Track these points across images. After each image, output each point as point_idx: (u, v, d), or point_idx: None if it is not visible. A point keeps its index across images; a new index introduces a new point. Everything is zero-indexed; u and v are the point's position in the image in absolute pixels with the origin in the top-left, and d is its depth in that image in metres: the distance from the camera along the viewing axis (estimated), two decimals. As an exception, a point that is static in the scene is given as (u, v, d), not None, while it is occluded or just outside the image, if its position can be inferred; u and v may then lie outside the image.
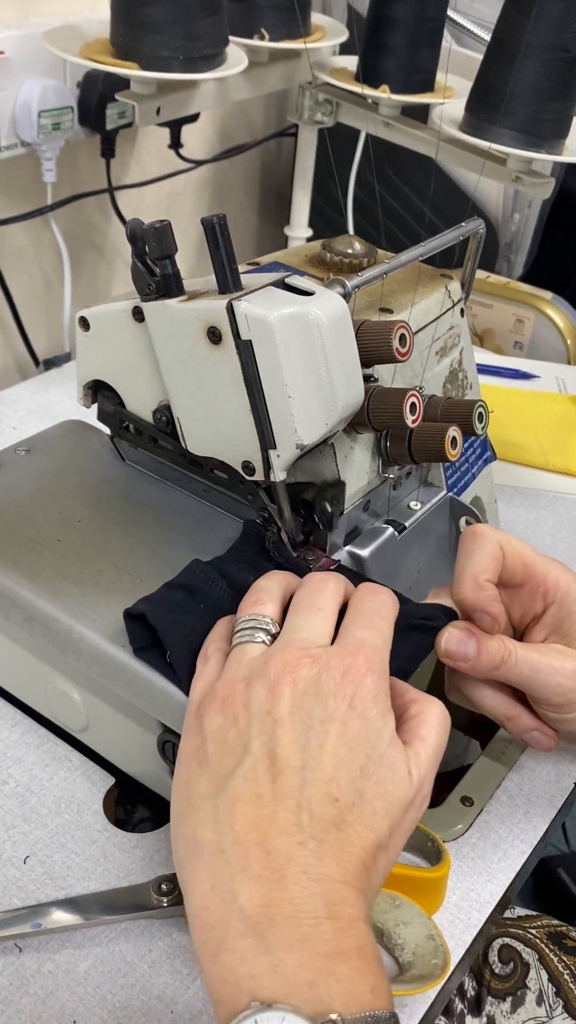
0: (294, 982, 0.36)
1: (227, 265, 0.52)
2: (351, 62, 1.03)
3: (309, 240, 1.19)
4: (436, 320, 0.67)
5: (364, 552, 0.61)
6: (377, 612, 0.47)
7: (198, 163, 1.24)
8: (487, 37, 0.87)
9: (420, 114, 1.00)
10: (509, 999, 0.63)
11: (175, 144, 1.14)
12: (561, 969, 0.63)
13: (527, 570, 0.54)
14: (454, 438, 0.58)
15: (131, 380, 0.61)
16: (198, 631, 0.51)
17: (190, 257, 1.32)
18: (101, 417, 0.65)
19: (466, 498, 0.72)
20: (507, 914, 0.67)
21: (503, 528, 0.85)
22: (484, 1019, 0.62)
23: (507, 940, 0.65)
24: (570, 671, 0.52)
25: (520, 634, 0.56)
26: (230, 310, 0.51)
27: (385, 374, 0.61)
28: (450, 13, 1.02)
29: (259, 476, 0.55)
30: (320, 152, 1.17)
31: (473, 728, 0.69)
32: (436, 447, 0.58)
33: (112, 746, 0.61)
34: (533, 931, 0.65)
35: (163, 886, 0.53)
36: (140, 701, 0.53)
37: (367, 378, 0.57)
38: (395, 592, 0.50)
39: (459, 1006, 0.63)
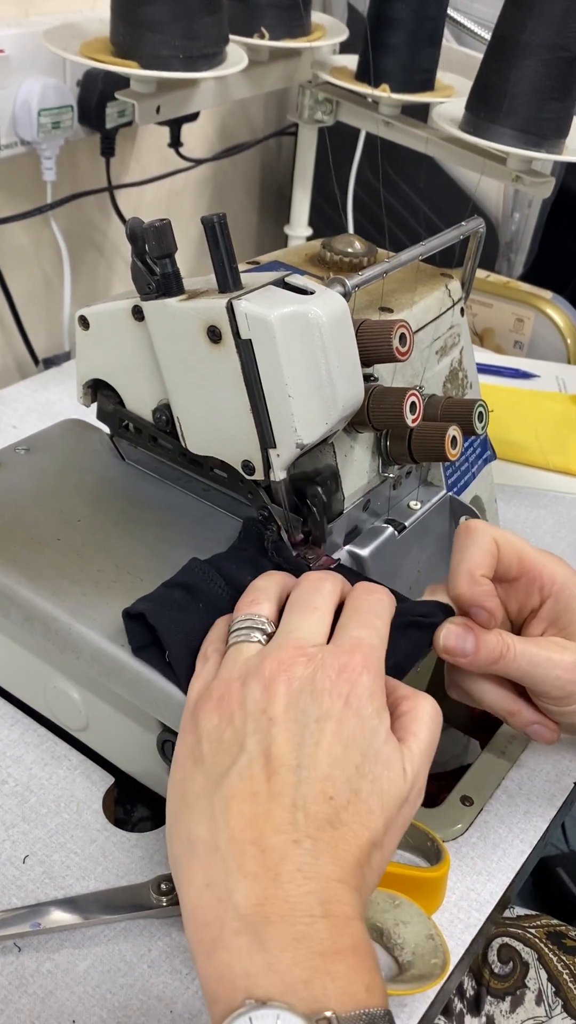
0: (289, 980, 0.36)
1: (227, 264, 0.52)
2: (351, 61, 1.03)
3: (309, 239, 1.19)
4: (436, 319, 0.67)
5: (364, 551, 0.61)
6: (373, 611, 0.47)
7: (198, 162, 1.24)
8: (487, 36, 0.87)
9: (420, 113, 1.00)
10: (508, 999, 0.63)
11: (175, 143, 1.13)
12: (560, 969, 0.63)
13: (522, 564, 0.54)
14: (454, 437, 0.58)
15: (131, 379, 0.61)
16: (197, 630, 0.51)
17: (190, 256, 1.32)
18: (101, 416, 0.65)
19: (466, 497, 0.72)
20: (506, 914, 0.67)
21: (503, 527, 0.85)
22: (483, 1018, 0.62)
23: (506, 940, 0.65)
24: (569, 663, 0.52)
25: (518, 628, 0.56)
26: (230, 309, 0.51)
27: (385, 373, 0.61)
28: (450, 12, 1.02)
29: (259, 475, 0.55)
30: (320, 151, 1.17)
31: (473, 728, 0.69)
32: (436, 446, 0.58)
33: (112, 745, 0.61)
34: (532, 931, 0.65)
35: (162, 886, 0.53)
36: (140, 700, 0.53)
37: (367, 377, 0.57)
38: (392, 590, 0.50)
39: (458, 1006, 0.63)
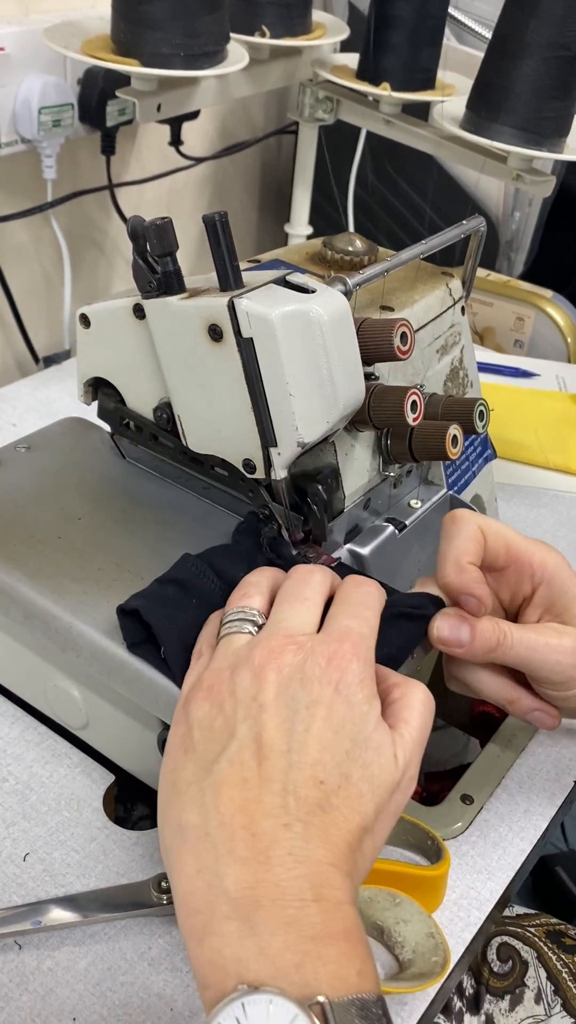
0: (280, 964, 0.36)
1: (228, 262, 0.52)
2: (352, 59, 1.03)
3: (309, 238, 1.19)
4: (437, 318, 0.67)
5: (364, 550, 0.61)
6: (363, 602, 0.47)
7: (198, 160, 1.24)
8: (488, 35, 0.87)
9: (421, 112, 1.00)
10: (508, 997, 0.63)
11: (175, 141, 1.13)
12: (560, 967, 0.63)
13: (510, 552, 0.54)
14: (455, 436, 0.58)
15: (132, 377, 0.61)
16: (191, 626, 0.51)
17: (190, 254, 1.32)
18: (101, 414, 0.65)
19: (466, 496, 0.72)
20: (506, 912, 0.67)
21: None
22: (483, 1017, 0.62)
23: (506, 938, 0.65)
24: (567, 648, 0.52)
25: (513, 617, 0.56)
26: (231, 308, 0.51)
27: (386, 372, 0.61)
28: (451, 11, 1.02)
29: (260, 474, 0.55)
30: (320, 150, 1.17)
31: (473, 726, 0.69)
32: (437, 445, 0.58)
33: (112, 743, 0.61)
34: (532, 929, 0.65)
35: (163, 884, 0.53)
36: (140, 698, 0.53)
37: (368, 376, 0.57)
38: (381, 583, 0.50)
39: (458, 1004, 0.63)
